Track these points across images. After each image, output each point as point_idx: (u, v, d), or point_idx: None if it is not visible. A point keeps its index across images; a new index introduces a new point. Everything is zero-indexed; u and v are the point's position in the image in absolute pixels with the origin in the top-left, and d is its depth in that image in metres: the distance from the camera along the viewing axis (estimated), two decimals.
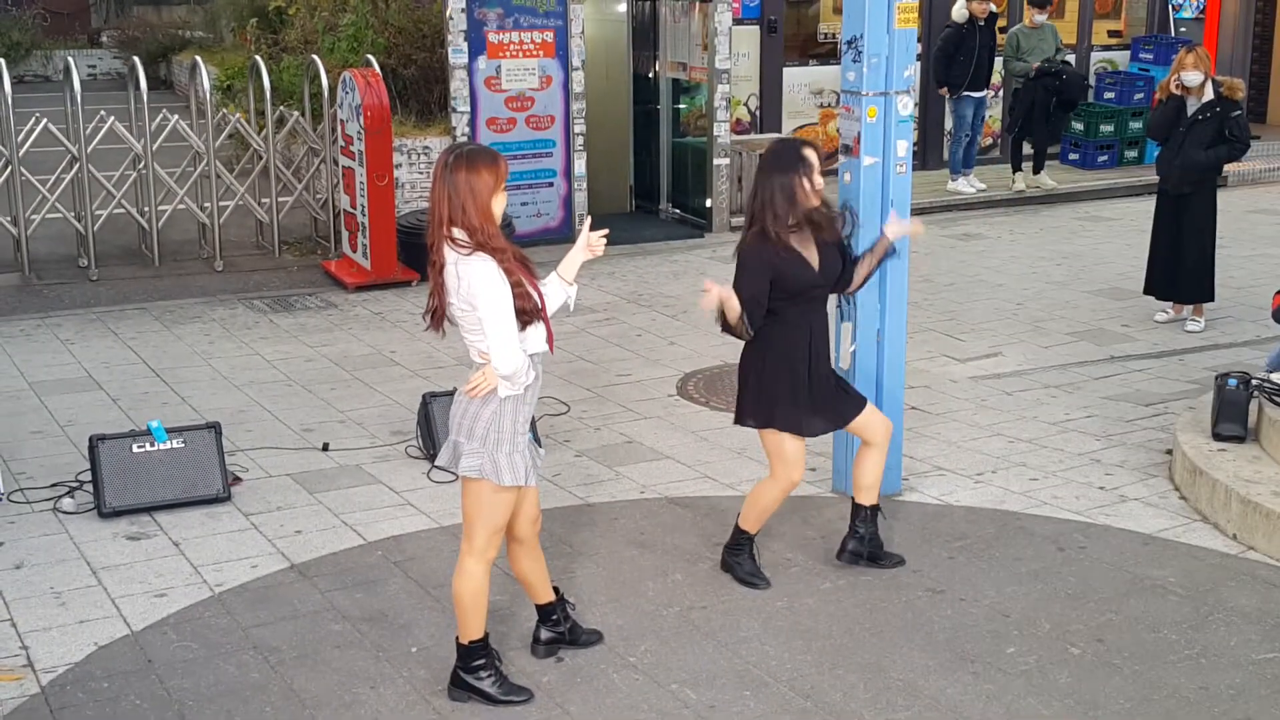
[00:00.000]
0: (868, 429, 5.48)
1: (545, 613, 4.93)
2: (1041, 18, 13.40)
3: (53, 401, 7.74)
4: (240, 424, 7.33)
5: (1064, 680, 4.76)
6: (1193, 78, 8.69)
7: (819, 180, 5.17)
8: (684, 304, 9.76)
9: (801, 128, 13.98)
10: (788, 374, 5.29)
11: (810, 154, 5.16)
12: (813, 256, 5.23)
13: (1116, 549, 5.81)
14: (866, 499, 5.59)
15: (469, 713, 4.56)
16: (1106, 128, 14.86)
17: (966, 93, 13.36)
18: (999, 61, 13.72)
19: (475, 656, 4.63)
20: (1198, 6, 16.20)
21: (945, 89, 13.46)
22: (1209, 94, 8.74)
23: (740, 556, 5.56)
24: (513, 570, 4.88)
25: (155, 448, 6.26)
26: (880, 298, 6.11)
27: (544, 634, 4.93)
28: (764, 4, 13.52)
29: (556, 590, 4.95)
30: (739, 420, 5.45)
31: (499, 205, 4.35)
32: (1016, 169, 13.77)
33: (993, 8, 13.27)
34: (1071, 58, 14.63)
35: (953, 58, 13.20)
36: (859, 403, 5.48)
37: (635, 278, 10.77)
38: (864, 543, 5.62)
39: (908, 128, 6.06)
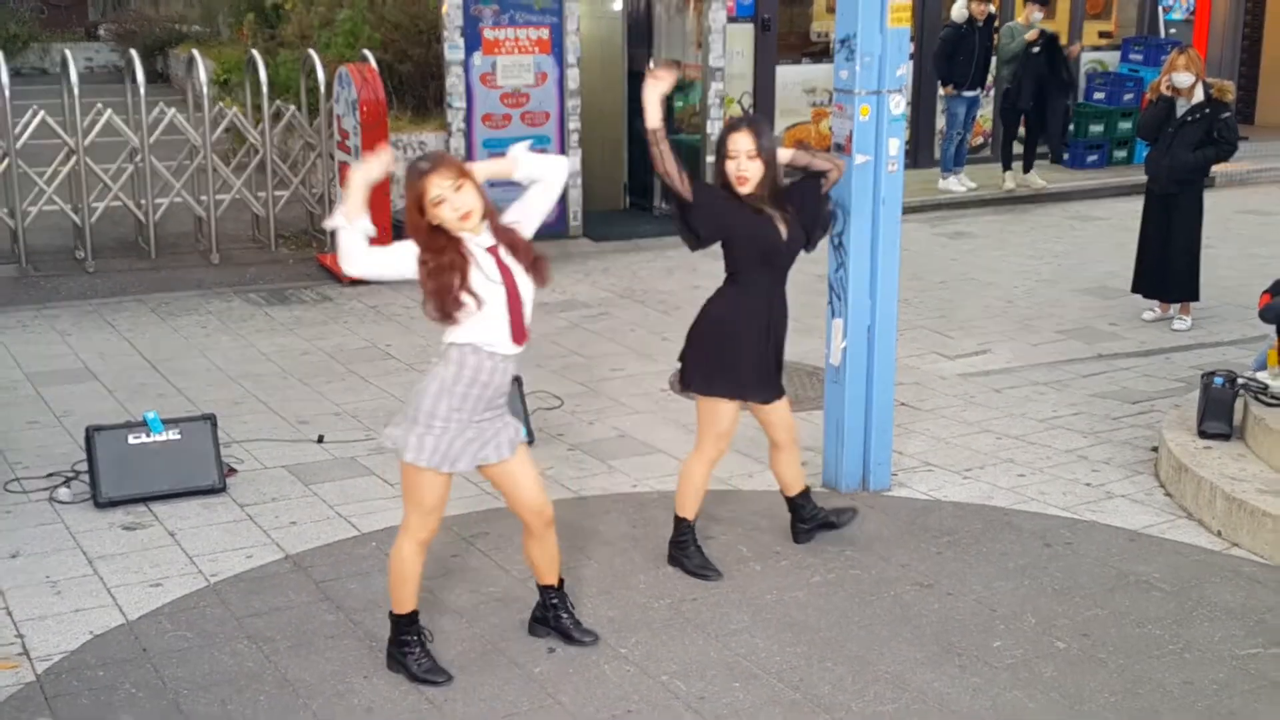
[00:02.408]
0: (780, 425, 5.55)
1: (543, 592, 5.01)
2: (1039, 16, 13.45)
3: (49, 392, 7.78)
4: (236, 416, 7.37)
5: (1049, 674, 4.82)
6: (1184, 79, 8.74)
7: (745, 166, 5.17)
8: (677, 299, 9.81)
9: (794, 126, 14.04)
10: (742, 341, 5.34)
11: (732, 137, 5.20)
12: (782, 224, 5.29)
13: (1102, 545, 5.87)
14: (800, 486, 5.76)
15: (462, 704, 4.61)
16: (1096, 128, 14.93)
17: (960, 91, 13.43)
18: (993, 61, 13.78)
19: (401, 630, 4.75)
20: (1188, 8, 16.28)
21: (950, 86, 13.50)
22: (1199, 96, 8.79)
23: (687, 549, 5.57)
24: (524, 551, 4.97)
25: (151, 439, 6.29)
26: (871, 294, 6.15)
27: (536, 612, 5.04)
28: (758, 2, 13.55)
29: (561, 583, 5.01)
30: (685, 388, 5.51)
31: (444, 209, 4.42)
32: (1006, 168, 13.84)
33: (991, 9, 13.35)
34: None
35: (953, 57, 13.26)
36: (780, 389, 5.56)
37: (628, 274, 10.82)
38: (815, 519, 5.79)
39: (900, 126, 6.11)
